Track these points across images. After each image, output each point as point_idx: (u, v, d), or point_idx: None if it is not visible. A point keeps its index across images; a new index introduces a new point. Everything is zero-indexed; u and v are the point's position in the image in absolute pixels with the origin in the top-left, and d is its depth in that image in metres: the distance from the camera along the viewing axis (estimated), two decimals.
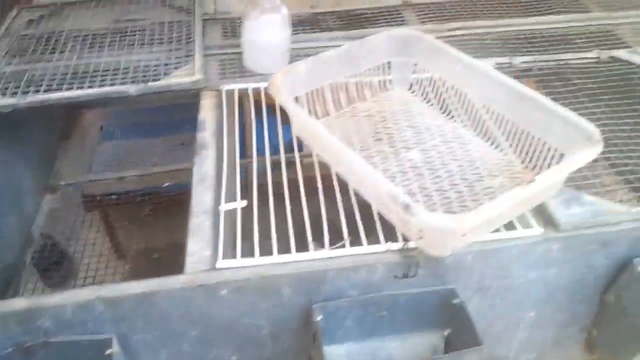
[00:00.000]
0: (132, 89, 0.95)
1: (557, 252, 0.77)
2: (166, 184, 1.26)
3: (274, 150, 0.87)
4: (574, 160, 0.71)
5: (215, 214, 0.75)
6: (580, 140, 0.74)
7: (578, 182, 0.83)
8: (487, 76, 0.86)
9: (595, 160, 0.74)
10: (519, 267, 0.77)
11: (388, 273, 0.71)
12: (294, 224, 0.74)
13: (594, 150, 0.72)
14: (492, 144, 0.87)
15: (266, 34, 1.01)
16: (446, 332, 0.77)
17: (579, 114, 1.01)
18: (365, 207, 0.77)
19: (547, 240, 0.75)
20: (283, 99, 0.80)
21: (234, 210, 0.76)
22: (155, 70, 1.00)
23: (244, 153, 0.90)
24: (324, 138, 0.75)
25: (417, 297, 0.73)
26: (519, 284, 0.79)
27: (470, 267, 0.74)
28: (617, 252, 0.79)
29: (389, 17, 1.26)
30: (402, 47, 0.95)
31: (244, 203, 0.76)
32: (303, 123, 0.80)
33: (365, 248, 0.71)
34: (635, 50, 1.14)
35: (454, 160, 0.85)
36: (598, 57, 1.12)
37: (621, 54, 1.13)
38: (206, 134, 0.89)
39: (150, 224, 1.37)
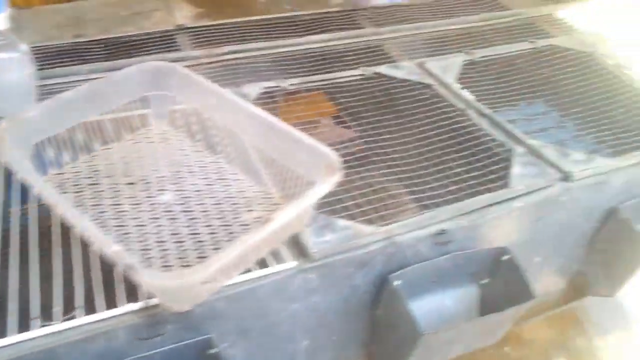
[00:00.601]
0: None
1: (316, 280, 0.77)
2: None
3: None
4: (314, 191, 0.71)
5: None
6: (323, 168, 0.75)
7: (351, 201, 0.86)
8: (240, 108, 0.84)
9: (343, 183, 0.76)
10: (278, 302, 0.76)
11: (132, 336, 0.66)
12: (20, 294, 0.66)
13: (334, 178, 0.73)
14: (252, 176, 0.86)
15: (2, 74, 0.90)
16: None
17: (351, 132, 1.06)
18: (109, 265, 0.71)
19: (302, 271, 0.75)
20: (3, 153, 0.71)
21: None
22: None
23: None
24: (50, 197, 0.67)
25: (171, 354, 0.69)
26: (283, 317, 0.78)
27: (225, 313, 0.72)
28: (374, 270, 0.82)
29: (161, 43, 1.20)
30: (155, 80, 0.90)
31: None
32: (28, 181, 0.71)
33: (102, 314, 0.65)
34: (396, 65, 1.21)
35: (212, 198, 0.82)
36: (363, 74, 1.17)
37: (383, 69, 1.18)
38: None
39: None
